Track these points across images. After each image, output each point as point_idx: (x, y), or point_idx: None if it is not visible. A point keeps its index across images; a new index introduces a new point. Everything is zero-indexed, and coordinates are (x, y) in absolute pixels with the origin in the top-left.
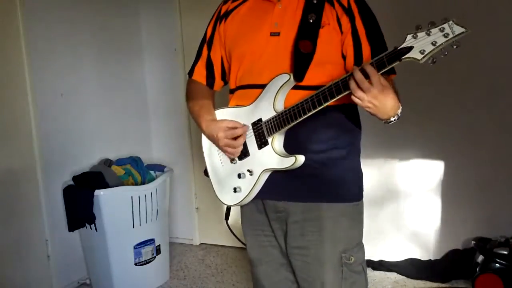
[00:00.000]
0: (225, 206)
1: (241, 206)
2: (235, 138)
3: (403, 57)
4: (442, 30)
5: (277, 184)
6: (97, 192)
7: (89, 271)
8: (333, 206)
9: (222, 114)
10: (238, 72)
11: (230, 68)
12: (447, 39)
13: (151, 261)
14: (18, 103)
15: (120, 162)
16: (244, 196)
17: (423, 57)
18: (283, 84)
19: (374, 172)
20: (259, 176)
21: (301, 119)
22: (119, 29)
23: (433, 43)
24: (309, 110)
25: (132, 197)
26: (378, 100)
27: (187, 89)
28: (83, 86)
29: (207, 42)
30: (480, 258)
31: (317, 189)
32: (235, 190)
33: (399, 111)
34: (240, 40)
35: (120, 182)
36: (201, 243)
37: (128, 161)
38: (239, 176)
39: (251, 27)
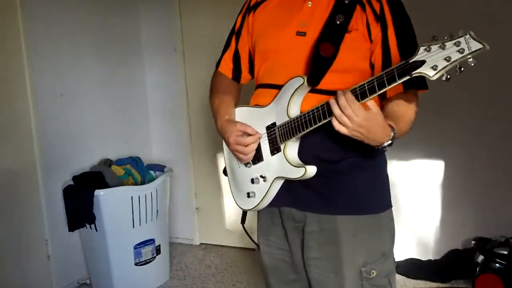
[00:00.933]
0: (241, 210)
1: (258, 211)
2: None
3: (414, 72)
4: (457, 44)
5: (293, 192)
6: (97, 192)
7: (89, 271)
8: (349, 218)
9: (241, 112)
10: (260, 69)
11: (254, 63)
12: (462, 55)
13: (151, 261)
14: (18, 103)
15: (120, 162)
16: (258, 203)
17: (435, 74)
18: (297, 88)
19: None
20: (272, 183)
21: (313, 127)
22: (119, 29)
23: (447, 59)
24: (324, 118)
25: (132, 197)
26: (364, 128)
27: (211, 81)
28: (83, 86)
29: (236, 33)
30: (480, 258)
31: (332, 200)
32: (248, 195)
33: (391, 136)
34: (265, 36)
35: (120, 182)
36: (201, 243)
37: (128, 161)
38: (252, 181)
39: (277, 24)
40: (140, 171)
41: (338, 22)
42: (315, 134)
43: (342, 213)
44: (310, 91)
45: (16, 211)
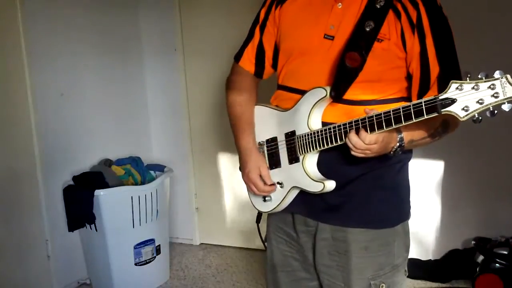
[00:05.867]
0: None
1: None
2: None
3: (443, 110)
4: (492, 88)
5: (306, 201)
6: (97, 192)
7: (89, 271)
8: (360, 231)
9: (261, 112)
10: (283, 69)
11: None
12: (495, 100)
13: (151, 261)
14: (18, 103)
15: (120, 162)
16: (274, 207)
17: (466, 115)
18: (318, 100)
19: None
20: (288, 191)
21: (334, 145)
22: (119, 29)
23: (479, 102)
24: (343, 139)
25: (132, 197)
26: (379, 149)
27: (231, 80)
28: (83, 86)
29: (260, 24)
30: (480, 258)
31: (344, 212)
32: (264, 199)
33: (398, 138)
34: (292, 34)
35: (120, 182)
36: (201, 243)
37: (128, 161)
38: None
39: (305, 23)
40: (140, 171)
41: (367, 29)
42: (333, 148)
43: (354, 226)
44: (333, 101)
45: (16, 211)
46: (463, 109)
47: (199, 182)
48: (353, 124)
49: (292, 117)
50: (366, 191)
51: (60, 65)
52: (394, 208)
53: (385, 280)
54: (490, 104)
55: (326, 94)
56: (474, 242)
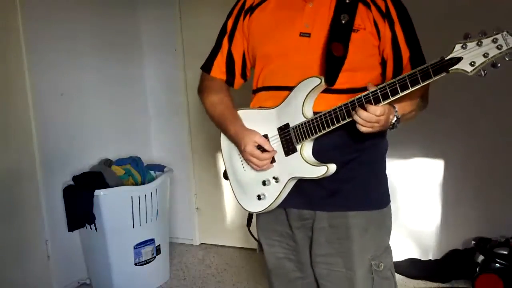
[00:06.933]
0: (247, 212)
1: (257, 214)
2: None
3: (451, 68)
4: (495, 41)
5: (301, 192)
6: (97, 192)
7: (89, 271)
8: (360, 214)
9: (245, 115)
10: (262, 72)
11: (254, 66)
12: (500, 51)
13: (151, 261)
14: (18, 103)
15: (120, 162)
16: (269, 204)
17: (473, 69)
18: (313, 88)
19: None
20: (285, 184)
21: (334, 127)
22: (119, 29)
23: (485, 55)
24: (343, 119)
25: (132, 197)
26: (384, 121)
27: (204, 86)
28: (83, 86)
29: (228, 35)
30: (480, 258)
31: (342, 197)
32: (259, 197)
33: (395, 115)
34: (267, 39)
35: (120, 182)
36: (201, 243)
37: (128, 161)
38: (264, 183)
39: (279, 26)
40: (140, 171)
41: (343, 22)
42: (324, 135)
43: (353, 209)
44: (322, 91)
45: (16, 211)
46: (470, 64)
47: (199, 182)
48: (355, 101)
49: (283, 111)
50: (360, 174)
51: (60, 65)
52: (384, 190)
53: (382, 260)
54: (495, 55)
55: (321, 81)
56: (474, 242)
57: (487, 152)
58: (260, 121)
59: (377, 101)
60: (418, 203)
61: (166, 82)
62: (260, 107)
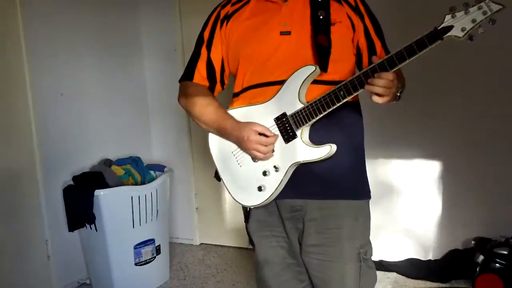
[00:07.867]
0: (241, 208)
1: (249, 209)
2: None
3: (445, 36)
4: (480, 8)
5: (294, 182)
6: (97, 192)
7: (89, 271)
8: (351, 203)
9: (238, 113)
10: (247, 73)
11: (236, 70)
12: (485, 16)
13: (151, 261)
14: (18, 103)
15: (120, 162)
16: (270, 194)
17: (464, 34)
18: (309, 75)
19: (374, 172)
20: (286, 172)
21: (332, 108)
22: (119, 29)
23: (473, 21)
24: (343, 98)
25: (132, 197)
26: (395, 90)
27: (189, 92)
28: (83, 86)
29: (206, 44)
30: (480, 258)
31: (334, 186)
32: (260, 188)
33: (400, 84)
34: (248, 42)
35: (120, 182)
36: (201, 243)
37: (128, 161)
38: (264, 173)
39: (258, 28)
40: (140, 171)
41: (321, 17)
42: (314, 125)
43: (344, 198)
44: (312, 83)
45: (16, 211)
46: (461, 29)
47: (199, 182)
48: (368, 71)
49: (277, 103)
50: (349, 165)
51: (60, 65)
52: (366, 181)
53: (367, 249)
54: (482, 20)
55: (316, 68)
56: (474, 242)
57: (487, 152)
58: (254, 116)
59: (383, 69)
60: (418, 203)
61: (166, 82)
62: (251, 104)
